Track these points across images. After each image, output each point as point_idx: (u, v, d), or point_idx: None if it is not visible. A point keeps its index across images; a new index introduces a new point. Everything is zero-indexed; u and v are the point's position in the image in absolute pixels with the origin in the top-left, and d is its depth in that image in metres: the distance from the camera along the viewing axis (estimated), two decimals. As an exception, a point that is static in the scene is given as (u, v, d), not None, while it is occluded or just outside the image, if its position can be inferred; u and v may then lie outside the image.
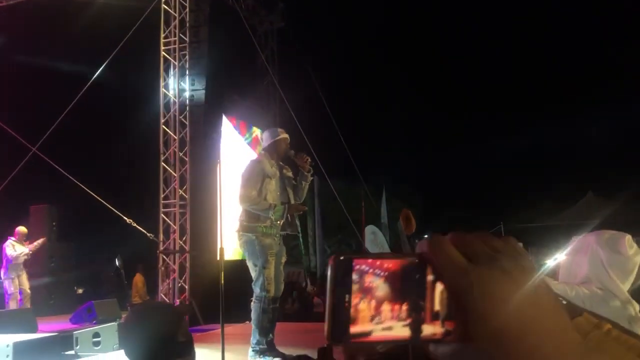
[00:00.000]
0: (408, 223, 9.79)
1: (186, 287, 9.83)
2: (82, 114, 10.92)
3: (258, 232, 4.88)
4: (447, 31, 26.67)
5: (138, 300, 11.87)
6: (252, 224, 4.90)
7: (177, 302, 9.62)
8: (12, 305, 9.39)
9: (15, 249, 9.57)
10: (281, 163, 5.28)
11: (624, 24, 23.02)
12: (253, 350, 4.97)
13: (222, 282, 4.28)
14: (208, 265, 9.87)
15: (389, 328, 0.45)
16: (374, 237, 11.70)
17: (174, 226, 9.90)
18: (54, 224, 12.15)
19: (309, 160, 5.25)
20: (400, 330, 0.45)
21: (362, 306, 0.45)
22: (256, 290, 4.95)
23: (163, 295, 9.84)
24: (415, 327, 0.46)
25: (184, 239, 9.94)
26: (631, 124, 19.19)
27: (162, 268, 9.91)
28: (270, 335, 5.01)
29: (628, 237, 1.68)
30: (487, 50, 26.56)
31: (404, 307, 0.46)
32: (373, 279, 0.46)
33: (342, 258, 0.45)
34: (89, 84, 10.27)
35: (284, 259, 5.22)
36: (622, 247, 1.65)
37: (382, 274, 0.46)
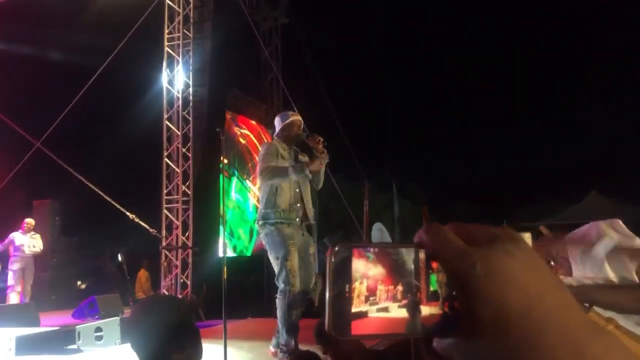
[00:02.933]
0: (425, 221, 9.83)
1: (188, 283, 9.85)
2: (85, 109, 10.93)
3: (277, 218, 4.63)
4: (454, 27, 26.59)
5: (142, 296, 11.88)
6: (269, 209, 4.66)
7: (187, 293, 9.64)
8: (13, 297, 9.39)
9: (15, 240, 9.58)
10: (296, 148, 4.98)
11: (631, 19, 22.93)
12: (281, 351, 4.62)
13: (225, 277, 4.27)
14: (210, 261, 9.90)
15: (385, 309, 0.45)
16: (380, 235, 11.70)
17: (176, 222, 9.91)
18: (56, 218, 12.17)
19: (322, 140, 4.81)
20: (397, 312, 0.46)
21: (357, 287, 0.45)
22: (280, 284, 4.60)
23: (165, 291, 9.86)
24: (412, 308, 0.46)
25: (186, 235, 9.96)
26: (636, 122, 19.14)
27: (165, 264, 9.93)
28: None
29: (619, 221, 1.73)
30: (493, 47, 26.50)
31: (399, 287, 0.46)
32: (371, 266, 0.46)
33: (341, 248, 0.46)
34: (92, 79, 10.26)
35: (312, 249, 4.89)
36: (622, 228, 1.70)
37: (379, 260, 0.46)
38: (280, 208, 4.66)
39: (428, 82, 26.29)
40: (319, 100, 12.02)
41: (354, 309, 0.45)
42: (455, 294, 0.45)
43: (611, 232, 1.64)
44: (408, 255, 0.47)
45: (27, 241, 9.71)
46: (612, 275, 1.56)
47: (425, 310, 0.46)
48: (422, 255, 0.47)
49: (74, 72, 11.30)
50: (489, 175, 23.82)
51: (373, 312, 0.45)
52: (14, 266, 9.53)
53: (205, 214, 10.20)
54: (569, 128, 24.10)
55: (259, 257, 11.51)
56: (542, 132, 23.62)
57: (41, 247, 9.91)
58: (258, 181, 4.94)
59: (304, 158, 4.94)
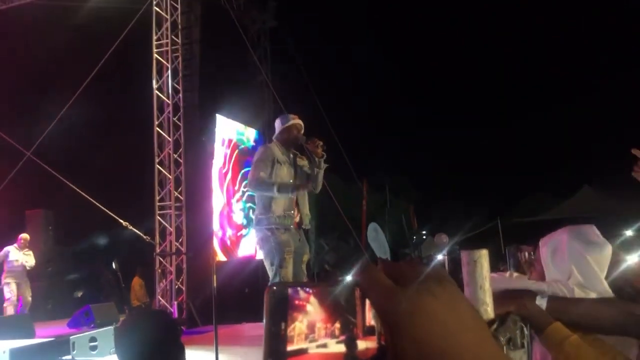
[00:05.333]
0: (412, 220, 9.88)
1: (183, 288, 9.85)
2: (76, 117, 10.90)
3: (272, 224, 4.60)
4: (443, 27, 26.68)
5: (137, 303, 11.88)
6: (264, 215, 4.62)
7: (175, 304, 9.64)
8: (9, 311, 9.37)
9: (10, 255, 9.57)
10: (295, 151, 4.95)
11: (621, 18, 23.05)
12: None
13: (215, 284, 4.29)
14: (204, 267, 9.90)
15: (324, 345, 0.48)
16: (375, 235, 11.73)
17: (170, 228, 9.91)
18: (50, 228, 12.15)
19: (321, 144, 4.83)
20: (335, 347, 0.48)
21: (297, 326, 0.47)
22: None
23: (160, 297, 9.86)
24: (350, 343, 0.48)
25: (180, 240, 9.95)
26: (626, 116, 19.24)
27: (159, 270, 9.92)
28: None
29: (594, 227, 1.72)
30: (480, 46, 26.58)
31: (337, 325, 0.48)
32: (307, 304, 0.48)
33: (276, 288, 0.48)
34: (81, 87, 10.26)
35: (305, 257, 4.86)
36: (593, 235, 1.69)
37: (315, 298, 0.48)
38: (275, 214, 4.63)
39: (419, 80, 26.38)
40: (308, 102, 12.04)
41: (294, 347, 0.47)
42: (382, 330, 0.48)
43: (580, 239, 1.65)
44: (344, 293, 0.50)
45: (22, 257, 9.69)
46: (579, 280, 1.58)
47: (362, 344, 0.49)
48: (357, 292, 0.50)
49: (64, 80, 11.28)
50: (481, 172, 23.89)
51: (313, 349, 0.48)
52: (8, 280, 9.52)
53: (199, 219, 10.20)
54: (559, 123, 24.20)
55: (253, 261, 11.54)
56: (532, 128, 23.71)
57: (33, 264, 9.89)
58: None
59: (303, 161, 4.94)
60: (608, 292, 1.59)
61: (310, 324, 0.48)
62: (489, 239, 15.03)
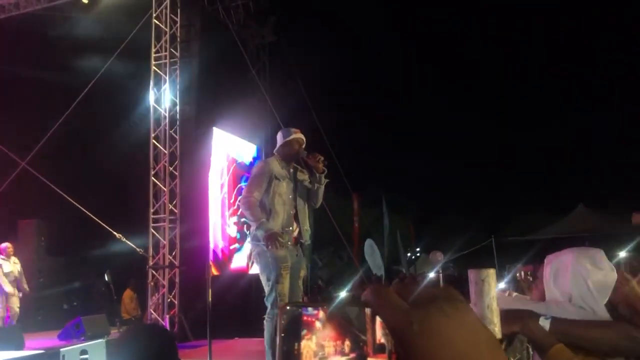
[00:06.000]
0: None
1: (175, 302, 9.78)
2: (71, 128, 10.89)
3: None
4: (441, 40, 26.89)
5: (127, 317, 11.77)
6: (261, 230, 4.51)
7: (167, 317, 9.56)
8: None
9: (3, 267, 9.43)
10: (297, 166, 4.91)
11: (622, 32, 23.29)
12: None
13: (210, 299, 4.25)
14: (197, 281, 9.83)
15: None
16: (371, 251, 11.72)
17: (163, 241, 9.86)
18: (42, 239, 12.08)
19: (322, 159, 4.81)
20: None
21: (306, 344, 0.48)
22: (268, 306, 4.53)
23: (152, 311, 9.78)
24: None
25: (173, 254, 9.90)
26: (621, 136, 19.39)
27: (152, 283, 9.85)
28: None
29: (603, 252, 1.71)
30: (478, 59, 26.80)
31: (347, 342, 0.49)
32: (316, 321, 0.49)
33: (290, 308, 0.48)
34: (78, 99, 10.26)
35: (302, 272, 4.78)
36: (601, 262, 1.68)
37: (327, 317, 0.49)
38: (272, 230, 4.53)
39: (416, 96, 26.52)
40: (306, 117, 12.07)
41: None
42: (394, 348, 0.48)
43: (585, 262, 1.64)
44: (354, 312, 0.50)
45: (11, 267, 9.54)
46: (579, 303, 1.57)
47: None
48: (367, 311, 0.50)
49: (61, 90, 11.28)
50: (477, 188, 23.95)
51: None
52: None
53: (193, 232, 10.16)
54: (555, 141, 24.35)
55: (246, 275, 11.47)
56: (528, 146, 23.84)
57: (19, 270, 9.73)
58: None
59: (303, 176, 4.91)
60: (606, 316, 1.59)
61: (319, 342, 0.48)
62: (482, 256, 15.04)
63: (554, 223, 15.69)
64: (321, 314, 0.49)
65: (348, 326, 0.49)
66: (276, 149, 4.97)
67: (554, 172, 23.43)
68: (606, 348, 1.42)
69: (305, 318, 0.49)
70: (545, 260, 1.79)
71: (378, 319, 0.51)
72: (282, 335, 0.48)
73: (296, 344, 0.47)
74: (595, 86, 23.91)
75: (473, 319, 0.49)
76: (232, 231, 11.74)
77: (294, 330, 0.48)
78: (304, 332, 0.48)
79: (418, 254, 18.79)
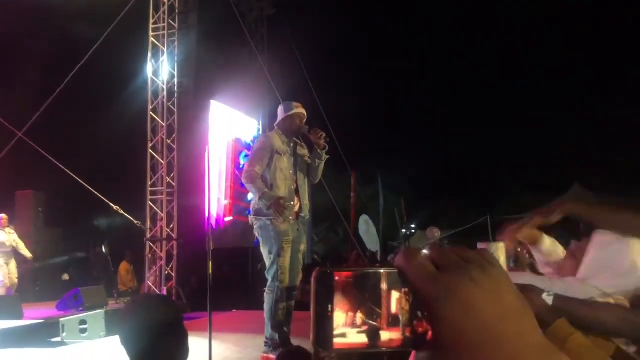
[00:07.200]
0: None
1: (173, 274, 9.84)
2: (69, 99, 10.79)
3: (271, 214, 4.52)
4: (440, 24, 26.63)
5: (123, 289, 11.85)
6: (263, 204, 4.53)
7: (164, 290, 9.62)
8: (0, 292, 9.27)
9: None
10: (297, 140, 4.89)
11: (605, 21, 23.13)
12: (265, 345, 4.64)
13: (210, 271, 4.28)
14: (195, 253, 9.89)
15: (343, 335, 0.48)
16: (366, 227, 11.76)
17: (161, 214, 9.88)
18: (40, 209, 12.07)
19: (324, 135, 4.80)
20: (355, 337, 0.48)
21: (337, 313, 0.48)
22: (269, 279, 4.57)
23: (150, 283, 9.84)
24: (372, 334, 0.48)
25: (171, 226, 9.93)
26: (617, 115, 19.37)
27: (149, 256, 9.90)
28: (285, 328, 4.63)
29: None
30: (475, 44, 26.59)
31: (359, 314, 0.48)
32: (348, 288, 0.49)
33: (325, 271, 0.48)
34: (75, 69, 10.13)
35: (302, 246, 4.83)
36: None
37: (342, 287, 0.49)
38: (276, 197, 4.54)
39: (415, 75, 26.35)
40: (304, 91, 12.00)
41: (337, 332, 0.48)
42: (420, 315, 0.48)
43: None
44: (370, 281, 0.50)
45: (6, 237, 9.53)
46: (610, 283, 1.55)
47: (385, 335, 0.49)
48: (383, 283, 0.49)
49: (58, 62, 11.16)
50: (473, 168, 23.98)
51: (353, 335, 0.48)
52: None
53: (190, 205, 10.17)
54: (551, 121, 24.33)
55: (244, 249, 11.52)
56: (525, 125, 23.80)
57: (15, 240, 9.72)
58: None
59: (303, 150, 4.91)
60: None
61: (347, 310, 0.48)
62: (478, 234, 15.11)
63: (549, 201, 15.73)
64: (339, 283, 0.49)
65: (362, 298, 0.48)
66: (277, 122, 4.94)
67: (550, 150, 23.43)
68: (603, 328, 1.42)
69: (339, 282, 0.49)
70: (595, 233, 1.74)
71: (394, 292, 0.50)
72: (316, 298, 0.47)
73: (329, 307, 0.47)
74: (597, 71, 23.81)
75: (505, 287, 0.47)
76: (228, 205, 11.76)
77: (327, 293, 0.49)
78: (338, 295, 0.49)
79: (413, 231, 18.87)
